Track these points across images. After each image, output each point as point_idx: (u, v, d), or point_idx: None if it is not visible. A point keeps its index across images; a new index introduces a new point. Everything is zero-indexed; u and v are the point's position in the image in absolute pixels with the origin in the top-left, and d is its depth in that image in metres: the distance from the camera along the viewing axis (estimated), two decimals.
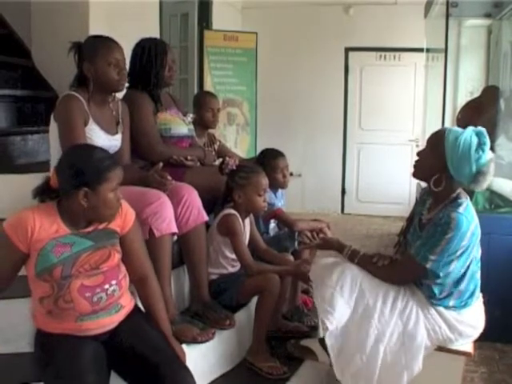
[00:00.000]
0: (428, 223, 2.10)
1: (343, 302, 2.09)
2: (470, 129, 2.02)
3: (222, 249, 2.51)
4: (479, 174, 1.96)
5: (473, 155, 1.95)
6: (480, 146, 1.96)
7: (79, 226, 1.75)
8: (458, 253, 1.97)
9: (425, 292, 2.10)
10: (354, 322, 2.10)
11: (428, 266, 1.99)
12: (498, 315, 2.59)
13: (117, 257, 1.80)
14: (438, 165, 2.02)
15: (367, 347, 2.05)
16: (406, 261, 2.15)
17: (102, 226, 1.78)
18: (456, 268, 2.01)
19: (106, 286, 1.75)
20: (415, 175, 2.17)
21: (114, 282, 1.77)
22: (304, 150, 6.92)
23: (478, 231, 2.04)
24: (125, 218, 1.85)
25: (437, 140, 2.05)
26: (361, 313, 2.10)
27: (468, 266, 2.04)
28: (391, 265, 2.16)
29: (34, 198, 1.75)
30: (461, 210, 1.97)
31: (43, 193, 1.75)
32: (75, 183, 1.67)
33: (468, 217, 1.97)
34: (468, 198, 2.08)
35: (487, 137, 2.00)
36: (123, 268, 1.86)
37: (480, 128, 2.02)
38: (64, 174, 1.70)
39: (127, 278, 1.87)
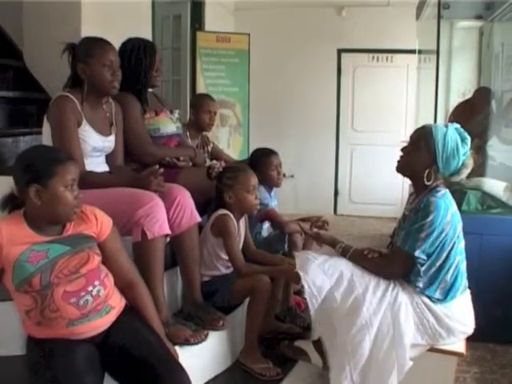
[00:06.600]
0: (410, 213, 2.17)
1: (330, 286, 2.14)
2: (449, 125, 2.13)
3: (216, 250, 2.50)
4: (463, 165, 2.12)
5: (461, 151, 2.08)
6: (463, 140, 2.10)
7: (50, 232, 1.72)
8: (442, 237, 2.04)
9: (410, 279, 2.12)
10: (344, 314, 2.12)
11: (416, 253, 2.05)
12: (490, 315, 2.60)
13: (96, 259, 1.77)
14: (428, 160, 2.13)
15: (354, 337, 2.08)
16: (394, 253, 2.22)
17: (76, 232, 1.76)
18: (436, 251, 2.06)
19: (90, 288, 1.73)
20: (400, 171, 2.25)
21: (96, 282, 1.75)
22: (297, 152, 6.90)
23: (458, 219, 2.12)
24: (101, 226, 1.83)
25: (422, 137, 2.14)
26: (350, 304, 2.12)
27: (449, 253, 2.08)
28: (381, 258, 2.22)
29: (1, 210, 1.72)
30: (439, 195, 2.09)
31: (10, 202, 1.72)
32: (25, 180, 1.64)
33: (446, 201, 2.09)
34: (447, 189, 2.17)
35: (464, 131, 2.13)
36: (104, 268, 1.83)
37: (454, 124, 2.15)
38: (16, 173, 1.69)
39: (110, 277, 1.85)
